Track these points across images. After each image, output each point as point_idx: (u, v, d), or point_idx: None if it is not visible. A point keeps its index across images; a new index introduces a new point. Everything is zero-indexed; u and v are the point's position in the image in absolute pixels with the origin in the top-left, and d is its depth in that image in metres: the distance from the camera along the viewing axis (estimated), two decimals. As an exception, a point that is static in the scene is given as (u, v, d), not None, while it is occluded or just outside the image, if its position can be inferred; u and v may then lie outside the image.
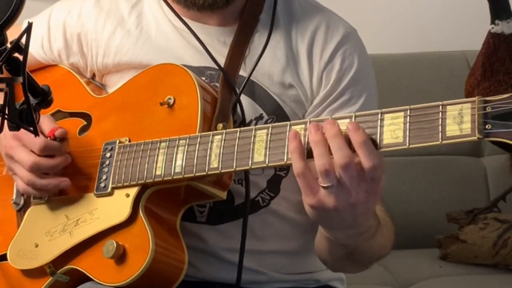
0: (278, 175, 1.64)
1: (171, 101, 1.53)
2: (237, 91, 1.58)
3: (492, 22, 2.55)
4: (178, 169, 1.45)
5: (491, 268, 2.59)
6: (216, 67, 1.60)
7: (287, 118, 1.61)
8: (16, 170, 1.57)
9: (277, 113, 1.61)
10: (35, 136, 1.20)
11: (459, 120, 1.21)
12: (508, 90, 2.52)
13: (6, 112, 1.13)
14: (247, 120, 1.59)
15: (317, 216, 1.33)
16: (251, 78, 1.60)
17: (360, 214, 1.31)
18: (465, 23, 3.13)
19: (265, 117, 1.61)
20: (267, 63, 1.62)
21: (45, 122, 1.57)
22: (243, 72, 1.61)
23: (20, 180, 1.57)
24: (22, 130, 1.51)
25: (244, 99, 1.60)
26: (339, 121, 1.29)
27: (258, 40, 1.63)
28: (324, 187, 1.27)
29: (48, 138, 1.54)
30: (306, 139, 1.30)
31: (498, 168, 2.88)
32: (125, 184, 1.51)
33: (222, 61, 1.61)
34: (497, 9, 2.54)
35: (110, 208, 1.52)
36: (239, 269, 1.59)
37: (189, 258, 1.52)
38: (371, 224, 1.39)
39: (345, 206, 1.28)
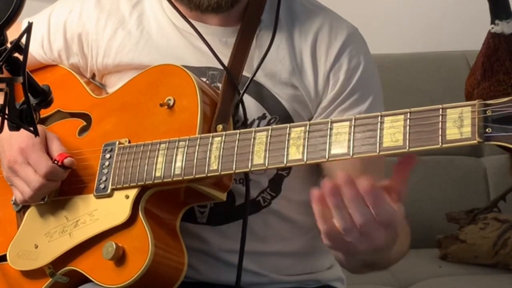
0: (280, 175, 1.63)
1: (171, 102, 1.53)
2: (240, 92, 1.58)
3: (492, 22, 2.55)
4: (177, 171, 1.45)
5: (491, 268, 2.59)
6: (219, 67, 1.60)
7: (290, 118, 1.61)
8: (19, 187, 1.57)
9: (280, 113, 1.61)
10: (35, 137, 1.20)
11: (459, 123, 1.20)
12: (508, 90, 2.52)
13: (6, 112, 1.13)
14: (250, 120, 1.59)
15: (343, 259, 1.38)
16: (254, 78, 1.60)
17: (379, 252, 1.32)
18: (465, 23, 3.13)
19: (268, 116, 1.60)
20: (270, 63, 1.61)
21: (54, 144, 1.58)
22: (245, 73, 1.60)
23: (20, 194, 1.57)
24: (29, 146, 1.54)
25: (247, 98, 1.59)
26: (339, 124, 1.30)
27: (260, 40, 1.63)
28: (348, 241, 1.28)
29: (56, 162, 1.54)
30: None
31: (498, 168, 2.88)
32: (124, 185, 1.51)
33: (225, 61, 1.60)
34: (497, 9, 2.54)
35: (110, 209, 1.52)
36: (238, 270, 1.59)
37: (190, 259, 1.52)
38: (390, 241, 1.37)
39: (369, 252, 1.30)
